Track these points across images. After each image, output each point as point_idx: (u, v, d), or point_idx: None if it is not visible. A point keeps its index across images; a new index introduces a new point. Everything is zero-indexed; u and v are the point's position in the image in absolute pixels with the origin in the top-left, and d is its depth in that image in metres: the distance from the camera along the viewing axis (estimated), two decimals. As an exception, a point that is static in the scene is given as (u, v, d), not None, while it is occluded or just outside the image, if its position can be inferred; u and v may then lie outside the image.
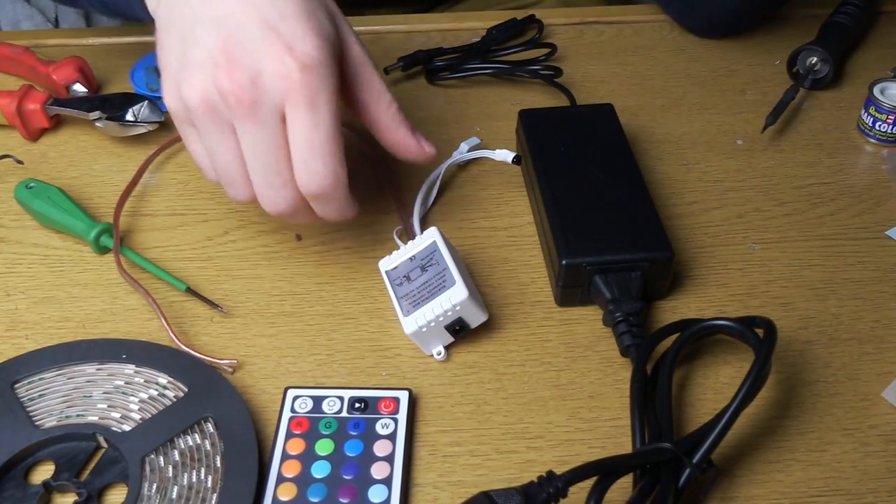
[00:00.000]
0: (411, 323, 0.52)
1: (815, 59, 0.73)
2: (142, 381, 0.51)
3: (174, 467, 0.46)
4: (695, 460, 0.44)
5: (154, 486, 0.46)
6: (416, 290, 0.53)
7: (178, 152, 0.68)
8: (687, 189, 0.65)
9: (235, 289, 0.58)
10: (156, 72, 0.72)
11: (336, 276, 0.59)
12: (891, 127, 0.67)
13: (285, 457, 0.47)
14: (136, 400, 0.50)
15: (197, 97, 0.48)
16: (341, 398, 0.50)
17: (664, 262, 0.55)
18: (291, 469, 0.47)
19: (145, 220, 0.63)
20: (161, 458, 0.47)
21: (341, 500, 0.45)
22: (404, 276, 0.54)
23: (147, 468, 0.46)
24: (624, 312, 0.52)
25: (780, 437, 0.49)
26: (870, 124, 0.68)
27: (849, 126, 0.70)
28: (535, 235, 0.61)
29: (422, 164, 0.57)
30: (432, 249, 0.54)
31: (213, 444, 0.47)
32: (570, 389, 0.52)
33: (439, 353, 0.53)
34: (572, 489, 0.42)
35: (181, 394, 0.50)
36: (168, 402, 0.49)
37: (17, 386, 0.50)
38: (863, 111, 0.69)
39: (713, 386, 0.52)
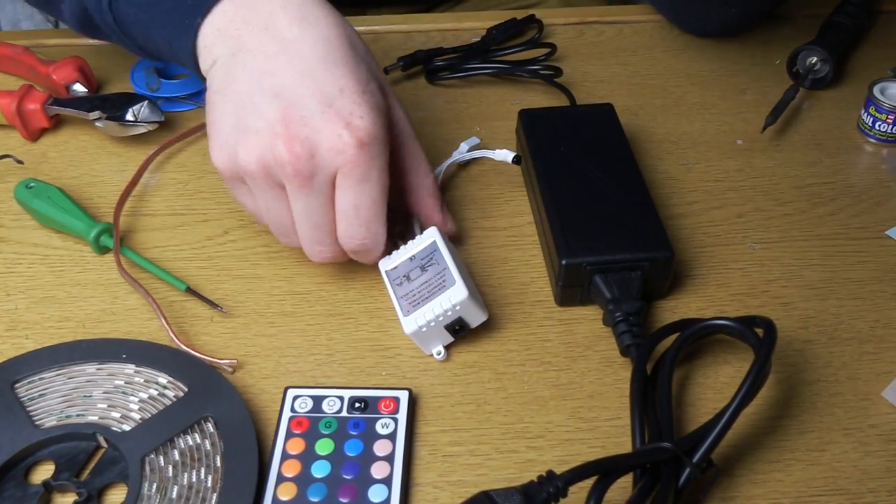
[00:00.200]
0: (411, 323, 0.52)
1: (815, 59, 0.73)
2: (142, 380, 0.51)
3: (174, 467, 0.46)
4: (695, 460, 0.44)
5: (154, 486, 0.46)
6: (415, 289, 0.53)
7: (178, 152, 0.68)
8: (687, 189, 0.65)
9: (235, 289, 0.58)
10: (156, 71, 0.73)
11: (336, 276, 0.59)
12: (891, 127, 0.67)
13: (285, 456, 0.47)
14: (136, 400, 0.50)
15: (254, 162, 0.50)
16: (341, 398, 0.50)
17: (664, 262, 0.55)
18: (291, 469, 0.47)
19: (145, 220, 0.63)
20: (161, 458, 0.47)
21: (341, 499, 0.45)
22: (404, 276, 0.54)
23: (147, 468, 0.46)
24: (624, 312, 0.52)
25: (780, 436, 0.49)
26: (870, 124, 0.68)
27: (849, 126, 0.70)
28: (535, 235, 0.61)
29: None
30: (432, 249, 0.54)
31: (213, 444, 0.47)
32: (570, 389, 0.52)
33: (439, 353, 0.53)
34: (572, 489, 0.42)
35: (181, 393, 0.50)
36: (168, 402, 0.49)
37: (17, 386, 0.50)
38: (863, 111, 0.69)
39: (713, 385, 0.52)
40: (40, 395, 0.50)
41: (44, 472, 0.48)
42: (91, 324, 0.56)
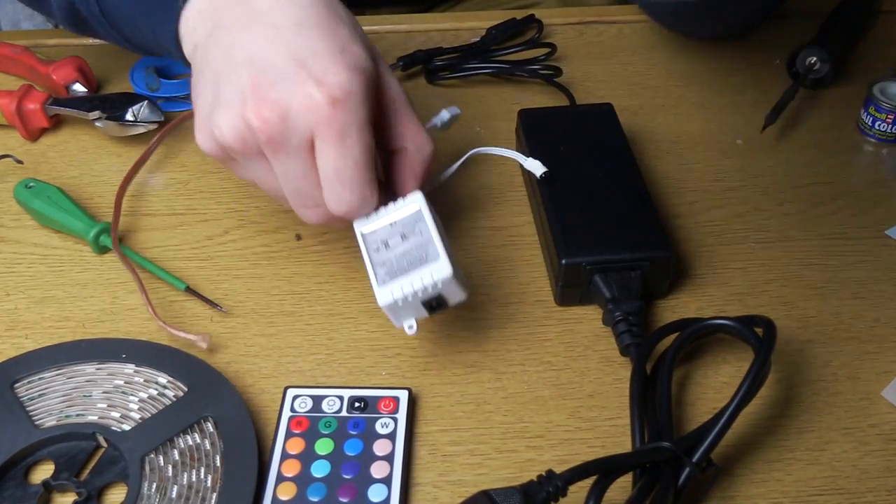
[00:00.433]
0: (386, 294, 0.48)
1: (815, 58, 0.73)
2: (141, 380, 0.51)
3: (174, 467, 0.46)
4: (694, 459, 0.44)
5: (154, 486, 0.46)
6: (394, 259, 0.49)
7: (178, 152, 0.68)
8: (687, 189, 0.65)
9: (235, 288, 0.58)
10: (156, 71, 0.72)
11: (336, 275, 0.59)
12: (890, 126, 0.67)
13: (285, 456, 0.47)
14: (136, 399, 0.50)
15: (230, 134, 0.48)
16: (341, 398, 0.50)
17: (664, 262, 0.55)
18: (291, 468, 0.47)
19: (145, 219, 0.63)
20: (161, 458, 0.47)
21: (341, 499, 0.45)
22: (382, 242, 0.50)
23: (147, 467, 0.46)
24: (623, 312, 0.52)
25: (779, 436, 0.49)
26: (869, 124, 0.68)
27: (849, 126, 0.70)
28: (535, 235, 0.61)
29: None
30: (416, 218, 0.50)
31: (212, 444, 0.47)
32: (570, 389, 0.52)
33: (410, 328, 0.49)
34: (572, 488, 0.42)
35: (181, 393, 0.50)
36: (168, 402, 0.49)
37: (16, 385, 0.50)
38: (862, 111, 0.69)
39: (713, 385, 0.52)
40: (40, 395, 0.50)
41: (43, 472, 0.48)
42: (91, 324, 0.56)
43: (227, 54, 0.49)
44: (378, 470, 0.47)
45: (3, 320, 0.56)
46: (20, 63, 0.74)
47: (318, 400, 0.50)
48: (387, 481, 0.46)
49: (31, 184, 0.62)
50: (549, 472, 0.42)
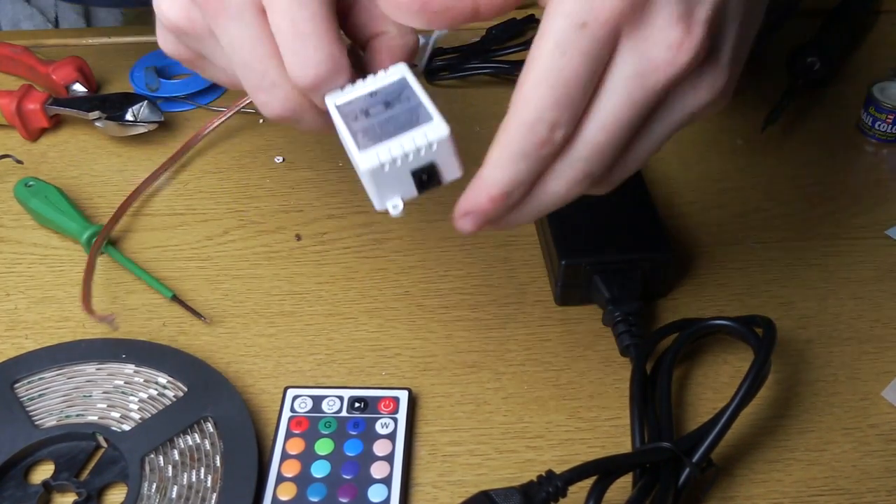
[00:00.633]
0: (370, 157, 0.39)
1: (815, 58, 0.73)
2: (141, 380, 0.51)
3: (174, 467, 0.46)
4: (694, 459, 0.44)
5: (154, 486, 0.46)
6: (377, 125, 0.41)
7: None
8: (687, 189, 0.65)
9: (235, 288, 0.58)
10: (156, 71, 0.73)
11: (336, 275, 0.59)
12: (890, 126, 0.67)
13: (285, 456, 0.47)
14: (136, 399, 0.50)
15: (174, 17, 0.43)
16: (341, 398, 0.50)
17: (664, 262, 0.55)
18: (291, 468, 0.47)
19: (145, 219, 0.63)
20: (161, 458, 0.47)
21: (341, 499, 0.45)
22: (362, 111, 0.41)
23: (147, 468, 0.46)
24: (623, 312, 0.52)
25: (779, 436, 0.49)
26: (869, 124, 0.68)
27: (849, 126, 0.70)
28: (534, 235, 0.61)
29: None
30: (401, 86, 0.42)
31: (212, 444, 0.47)
32: (570, 389, 0.52)
33: (395, 207, 0.41)
34: (572, 488, 0.42)
35: (181, 393, 0.50)
36: (168, 402, 0.49)
37: (16, 386, 0.50)
38: (862, 111, 0.69)
39: (713, 385, 0.52)
40: (40, 395, 0.50)
41: (43, 472, 0.48)
42: (91, 324, 0.56)
43: None
44: (378, 470, 0.47)
45: (3, 320, 0.56)
46: (20, 63, 0.74)
47: (318, 400, 0.50)
48: (387, 481, 0.46)
49: (31, 182, 0.62)
50: (549, 472, 0.42)
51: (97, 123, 0.67)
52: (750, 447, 0.49)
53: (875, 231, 0.61)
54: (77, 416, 0.49)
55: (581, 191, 0.41)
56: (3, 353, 0.53)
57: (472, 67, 0.74)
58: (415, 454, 0.49)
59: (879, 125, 0.68)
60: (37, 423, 0.48)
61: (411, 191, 0.41)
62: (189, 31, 0.43)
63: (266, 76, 0.42)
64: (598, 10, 0.34)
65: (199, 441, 0.48)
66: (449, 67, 0.74)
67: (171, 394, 0.50)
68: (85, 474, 0.47)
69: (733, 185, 0.65)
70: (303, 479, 0.46)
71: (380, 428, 0.49)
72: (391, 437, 0.48)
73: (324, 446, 0.48)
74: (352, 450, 0.48)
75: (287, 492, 0.46)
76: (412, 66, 0.43)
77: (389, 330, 0.55)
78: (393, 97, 0.42)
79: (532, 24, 0.79)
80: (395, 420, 0.49)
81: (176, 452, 0.47)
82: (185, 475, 0.46)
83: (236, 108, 0.68)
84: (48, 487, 0.47)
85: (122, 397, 0.50)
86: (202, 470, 0.46)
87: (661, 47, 0.36)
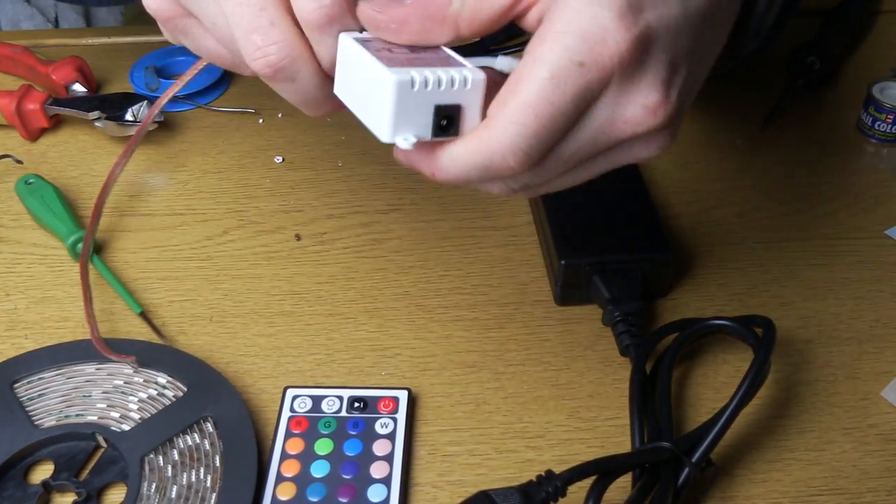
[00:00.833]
0: (402, 73, 0.36)
1: (815, 58, 0.73)
2: (141, 380, 0.51)
3: (173, 467, 0.46)
4: (694, 459, 0.44)
5: (153, 486, 0.46)
6: (404, 58, 0.38)
7: (178, 153, 0.68)
8: (686, 188, 0.65)
9: (235, 288, 0.58)
10: (155, 72, 0.73)
11: (335, 275, 0.59)
12: (890, 126, 0.67)
13: (284, 456, 0.47)
14: (136, 399, 0.50)
15: (154, 7, 0.42)
16: (340, 398, 0.50)
17: (663, 262, 0.55)
18: (291, 468, 0.47)
19: (145, 219, 0.63)
20: (160, 458, 0.47)
21: (341, 499, 0.45)
22: (384, 47, 0.38)
23: (146, 468, 0.46)
24: (623, 312, 0.52)
25: (779, 436, 0.49)
26: (869, 124, 0.68)
27: (849, 126, 0.70)
28: (534, 235, 0.61)
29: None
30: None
31: (212, 444, 0.47)
32: (570, 389, 0.52)
33: (406, 140, 0.37)
34: (571, 488, 0.42)
35: (180, 393, 0.50)
36: (167, 402, 0.49)
37: (16, 385, 0.50)
38: (862, 111, 0.69)
39: (712, 385, 0.52)
40: (39, 395, 0.50)
41: (43, 472, 0.48)
42: (90, 324, 0.56)
43: None
44: (378, 470, 0.47)
45: (3, 320, 0.56)
46: (20, 63, 0.74)
47: (317, 400, 0.50)
48: (386, 481, 0.46)
49: (31, 180, 0.62)
50: (549, 472, 0.42)
51: (97, 123, 0.67)
52: (750, 447, 0.49)
53: (875, 231, 0.61)
54: (77, 416, 0.49)
55: (510, 195, 0.41)
56: (3, 353, 0.53)
57: (472, 67, 0.74)
58: (414, 454, 0.49)
59: (879, 125, 0.68)
60: (36, 423, 0.48)
61: (426, 130, 0.38)
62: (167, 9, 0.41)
63: (264, 12, 0.38)
64: (599, 55, 0.35)
65: (198, 441, 0.48)
66: (449, 67, 0.74)
67: (170, 394, 0.50)
68: (84, 474, 0.47)
69: (733, 185, 0.65)
70: (302, 479, 0.46)
71: (379, 428, 0.49)
72: (391, 436, 0.48)
73: (323, 446, 0.48)
74: (351, 450, 0.48)
75: (287, 492, 0.46)
76: None
77: (389, 330, 0.55)
78: (416, 47, 0.39)
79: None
80: (395, 420, 0.49)
81: (175, 452, 0.47)
82: (185, 475, 0.46)
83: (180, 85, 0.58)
84: (48, 487, 0.47)
85: (121, 397, 0.50)
86: (202, 470, 0.46)
87: (638, 106, 0.36)
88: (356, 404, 0.49)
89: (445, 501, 0.47)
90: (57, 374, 0.51)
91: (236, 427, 0.48)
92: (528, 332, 0.55)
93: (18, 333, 0.55)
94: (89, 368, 0.51)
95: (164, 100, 0.51)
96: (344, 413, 0.49)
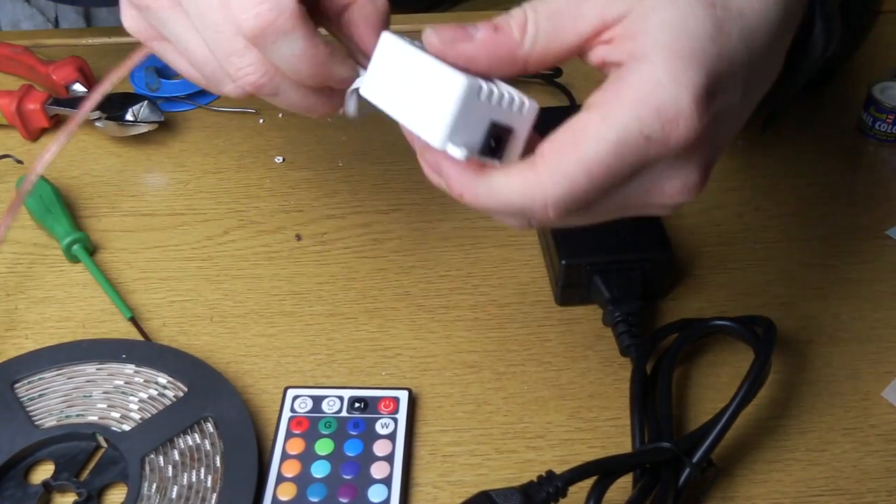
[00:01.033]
0: (471, 78, 0.35)
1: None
2: (141, 380, 0.51)
3: (174, 467, 0.46)
4: (695, 460, 0.44)
5: (154, 486, 0.46)
6: (458, 66, 0.36)
7: (178, 153, 0.68)
8: (687, 189, 0.65)
9: (235, 288, 0.58)
10: (156, 72, 0.72)
11: (336, 275, 0.59)
12: (891, 127, 0.67)
13: (285, 456, 0.47)
14: (136, 400, 0.50)
15: (132, 28, 0.44)
16: (341, 398, 0.50)
17: (664, 262, 0.55)
18: (291, 469, 0.47)
19: (145, 219, 0.63)
20: (161, 458, 0.47)
21: (341, 499, 0.45)
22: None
23: (147, 468, 0.46)
24: (623, 312, 0.52)
25: (779, 436, 0.49)
26: (870, 124, 0.68)
27: (849, 126, 0.70)
28: (534, 235, 0.61)
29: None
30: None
31: (212, 444, 0.47)
32: (570, 389, 0.52)
33: (460, 150, 0.35)
34: (572, 489, 0.42)
35: (181, 393, 0.50)
36: (168, 402, 0.49)
37: (16, 386, 0.50)
38: (863, 111, 0.69)
39: (713, 385, 0.52)
40: (40, 395, 0.50)
41: (44, 472, 0.48)
42: (91, 324, 0.56)
43: None
44: (378, 470, 0.47)
45: (3, 320, 0.56)
46: (20, 63, 0.74)
47: (318, 400, 0.50)
48: (387, 482, 0.46)
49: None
50: (550, 472, 0.42)
51: (97, 123, 0.67)
52: (750, 447, 0.49)
53: (875, 231, 0.61)
54: (77, 416, 0.49)
55: (521, 230, 0.42)
56: (4, 353, 0.53)
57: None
58: (415, 454, 0.49)
59: (879, 125, 0.68)
60: (37, 423, 0.48)
61: (475, 145, 0.36)
62: (152, 5, 0.42)
63: (238, 36, 0.39)
64: (668, 134, 0.35)
65: (199, 441, 0.47)
66: (449, 67, 0.74)
67: (171, 394, 0.50)
68: (85, 474, 0.47)
69: (733, 185, 0.65)
70: (303, 480, 0.46)
71: (380, 428, 0.49)
72: (391, 437, 0.48)
73: (324, 446, 0.48)
74: (352, 450, 0.48)
75: (287, 492, 0.46)
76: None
77: (389, 330, 0.55)
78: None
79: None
80: (396, 420, 0.49)
81: (176, 452, 0.47)
82: (185, 475, 0.46)
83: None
84: (48, 487, 0.47)
85: (122, 397, 0.50)
86: (202, 470, 0.46)
87: (678, 183, 0.37)
88: (357, 404, 0.49)
89: (446, 502, 0.47)
90: (57, 375, 0.51)
91: (237, 427, 0.48)
92: (529, 332, 0.55)
93: (19, 333, 0.55)
94: (90, 368, 0.51)
95: (97, 94, 0.51)
96: (344, 413, 0.49)
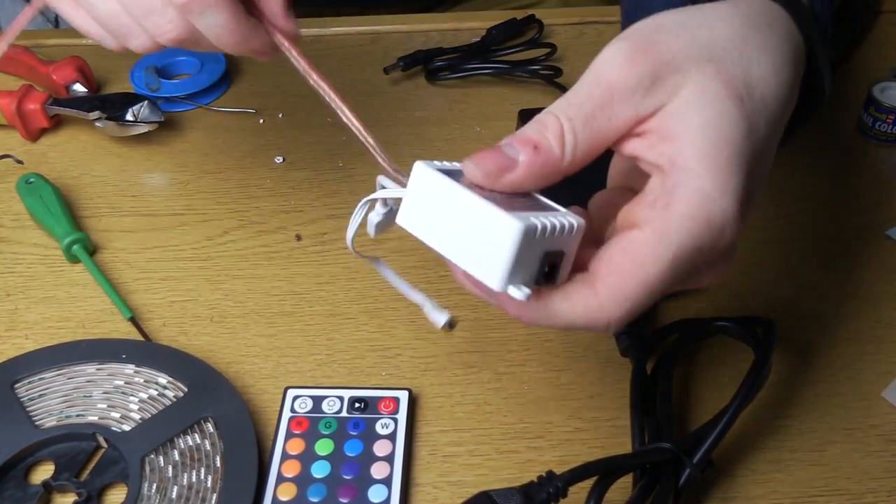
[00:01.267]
0: (524, 219, 0.34)
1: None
2: (142, 381, 0.51)
3: (174, 467, 0.46)
4: (695, 460, 0.44)
5: (154, 486, 0.46)
6: (499, 197, 0.35)
7: (178, 153, 0.68)
8: (687, 189, 0.65)
9: (235, 288, 0.58)
10: (156, 72, 0.73)
11: (336, 276, 0.59)
12: (891, 127, 0.67)
13: (285, 457, 0.47)
14: (136, 400, 0.50)
15: None
16: (341, 398, 0.50)
17: (664, 262, 0.54)
18: (291, 469, 0.47)
19: (145, 219, 0.63)
20: (161, 458, 0.47)
21: (341, 499, 0.45)
22: (470, 185, 0.36)
23: (147, 468, 0.46)
24: (624, 312, 0.52)
25: (780, 436, 0.49)
26: (870, 124, 0.68)
27: (849, 126, 0.70)
28: (535, 235, 0.61)
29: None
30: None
31: (212, 444, 0.47)
32: (570, 389, 0.52)
33: (520, 291, 0.35)
34: (572, 489, 0.42)
35: (181, 394, 0.50)
36: (168, 402, 0.49)
37: (17, 386, 0.50)
38: (863, 111, 0.69)
39: (713, 385, 0.52)
40: (40, 396, 0.50)
41: (44, 473, 0.48)
42: (91, 324, 0.56)
43: None
44: (378, 470, 0.47)
45: (4, 320, 0.56)
46: (20, 63, 0.74)
47: (318, 400, 0.50)
48: (387, 482, 0.46)
49: (32, 179, 0.62)
50: (550, 472, 0.42)
51: (97, 123, 0.67)
52: (750, 448, 0.49)
53: (875, 231, 0.61)
54: (77, 416, 0.49)
55: None
56: (4, 354, 0.53)
57: (473, 68, 0.74)
58: (415, 454, 0.49)
59: (880, 125, 0.68)
60: (37, 423, 0.48)
61: (531, 277, 0.36)
62: None
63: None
64: (717, 243, 0.37)
65: (199, 441, 0.47)
66: (449, 67, 0.74)
67: (171, 394, 0.50)
68: (85, 474, 0.47)
69: (733, 185, 0.65)
70: (303, 480, 0.46)
71: (380, 428, 0.49)
72: (391, 437, 0.48)
73: (324, 447, 0.48)
74: (352, 450, 0.48)
75: (287, 492, 0.46)
76: None
77: (390, 330, 0.55)
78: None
79: (532, 24, 0.79)
80: (396, 420, 0.49)
81: (176, 453, 0.47)
82: (186, 475, 0.46)
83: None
84: (48, 487, 0.47)
85: (122, 397, 0.50)
86: (202, 470, 0.46)
87: (713, 273, 0.39)
88: (357, 405, 0.49)
89: (446, 502, 0.47)
90: (57, 375, 0.51)
91: (237, 427, 0.48)
92: (529, 332, 0.55)
93: (19, 334, 0.55)
94: (90, 369, 0.51)
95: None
96: (344, 413, 0.49)
